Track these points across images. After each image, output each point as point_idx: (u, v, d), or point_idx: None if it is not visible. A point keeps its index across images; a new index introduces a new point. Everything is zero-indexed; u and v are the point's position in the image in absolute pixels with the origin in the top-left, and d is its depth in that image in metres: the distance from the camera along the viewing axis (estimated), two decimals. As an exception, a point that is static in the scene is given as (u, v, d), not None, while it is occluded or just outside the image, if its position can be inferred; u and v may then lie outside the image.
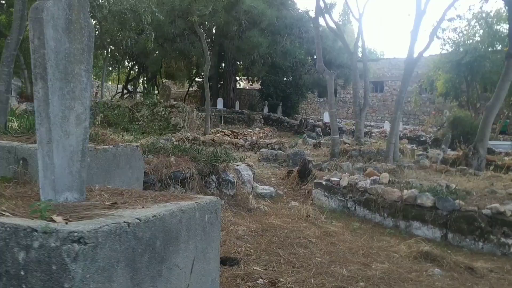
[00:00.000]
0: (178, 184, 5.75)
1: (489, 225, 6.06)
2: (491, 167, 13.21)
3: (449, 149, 17.51)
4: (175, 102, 17.02)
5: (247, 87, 43.43)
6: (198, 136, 14.38)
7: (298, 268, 3.98)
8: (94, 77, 42.17)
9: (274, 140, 14.42)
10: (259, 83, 34.32)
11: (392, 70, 36.38)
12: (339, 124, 27.17)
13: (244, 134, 19.61)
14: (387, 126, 25.33)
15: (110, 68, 37.03)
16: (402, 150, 13.49)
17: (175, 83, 43.78)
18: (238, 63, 32.70)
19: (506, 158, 15.11)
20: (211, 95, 34.06)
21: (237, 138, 18.09)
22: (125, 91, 34.81)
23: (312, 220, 6.06)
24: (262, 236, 4.91)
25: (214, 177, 6.47)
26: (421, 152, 15.30)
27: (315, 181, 7.75)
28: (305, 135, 18.73)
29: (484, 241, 6.03)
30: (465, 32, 26.19)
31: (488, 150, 20.91)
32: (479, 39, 25.69)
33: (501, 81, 13.40)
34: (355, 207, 7.14)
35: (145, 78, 36.83)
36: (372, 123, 31.08)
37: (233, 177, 6.69)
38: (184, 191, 5.75)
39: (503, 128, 27.77)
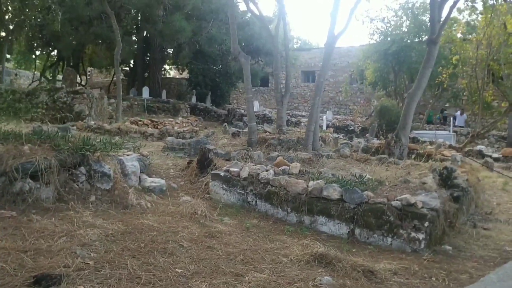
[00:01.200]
0: (29, 178, 4.67)
1: (398, 218, 5.41)
2: (413, 156, 12.94)
3: (376, 138, 17.24)
4: (79, 88, 15.57)
5: (177, 76, 41.96)
6: (104, 124, 13.12)
7: (143, 285, 3.07)
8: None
9: (186, 129, 13.42)
10: (187, 71, 33.06)
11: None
12: (267, 113, 26.60)
13: (165, 123, 18.46)
14: (326, 117, 24.97)
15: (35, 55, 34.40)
16: (325, 138, 12.90)
17: (101, 71, 41.61)
18: (166, 51, 31.26)
19: (428, 146, 14.91)
20: (137, 84, 32.72)
21: (156, 127, 16.97)
22: (43, 79, 32.42)
23: (199, 218, 5.16)
24: (119, 242, 3.96)
25: (83, 169, 5.41)
26: (345, 141, 14.85)
27: (213, 172, 6.84)
28: (225, 123, 17.84)
29: (393, 236, 5.38)
30: (392, 23, 26.22)
31: (413, 139, 21.06)
32: (406, 29, 25.81)
33: (422, 68, 13.12)
34: (255, 201, 6.30)
35: (64, 66, 34.40)
36: (303, 113, 30.71)
37: (109, 168, 5.65)
38: (37, 186, 4.68)
39: (429, 118, 28.28)
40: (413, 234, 5.30)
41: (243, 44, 26.08)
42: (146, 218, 4.89)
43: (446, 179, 7.76)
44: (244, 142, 12.17)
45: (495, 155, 18.01)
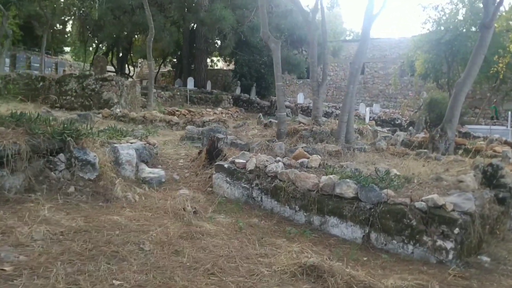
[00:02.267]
0: (-5, 165, 4.19)
1: (422, 222, 4.57)
2: (460, 151, 11.81)
3: (423, 133, 16.07)
4: (108, 75, 15.30)
5: (225, 68, 41.65)
6: (130, 112, 12.75)
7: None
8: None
9: (211, 118, 12.84)
10: (233, 63, 32.65)
11: (373, 51, 34.75)
12: (311, 105, 25.66)
13: (202, 113, 18.03)
14: (362, 109, 23.87)
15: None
16: (362, 131, 11.97)
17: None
18: (211, 42, 30.89)
19: (480, 142, 13.61)
20: (183, 75, 32.58)
21: (193, 118, 16.58)
22: (92, 68, 32.89)
23: (185, 215, 4.52)
24: (64, 242, 3.36)
25: (63, 156, 4.89)
26: (386, 134, 13.85)
27: (216, 163, 6.17)
28: (260, 114, 17.16)
29: (415, 244, 4.55)
30: (447, 11, 24.57)
31: (465, 134, 19.68)
32: (461, 18, 24.10)
33: (473, 55, 11.90)
34: (261, 197, 5.59)
35: (113, 57, 34.84)
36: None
37: (94, 156, 5.11)
38: (2, 174, 4.20)
39: (495, 114, 26.62)
40: (439, 242, 4.44)
41: (286, 33, 25.28)
42: (120, 214, 4.31)
43: (490, 178, 6.76)
44: (275, 133, 11.46)
45: (556, 153, 16.46)
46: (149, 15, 15.75)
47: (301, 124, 12.67)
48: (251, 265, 3.43)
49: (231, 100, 26.08)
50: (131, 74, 37.14)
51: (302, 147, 7.77)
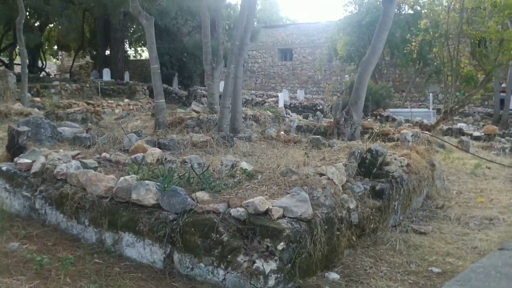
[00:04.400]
0: None
1: (240, 236, 3.30)
2: (367, 135, 10.87)
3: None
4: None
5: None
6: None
7: None
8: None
9: (78, 109, 11.24)
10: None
11: (301, 36, 33.87)
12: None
13: (103, 106, 16.36)
14: (283, 96, 22.71)
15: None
16: (258, 117, 10.73)
17: (69, 54, 39.19)
18: (126, 30, 28.95)
19: (390, 126, 12.71)
20: (98, 66, 30.45)
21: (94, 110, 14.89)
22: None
23: None
24: None
25: None
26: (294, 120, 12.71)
27: None
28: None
29: (227, 267, 3.26)
30: (369, -8, 23.90)
31: (387, 117, 19.02)
32: (382, -2, 23.47)
33: (377, 30, 11.01)
34: (45, 209, 4.17)
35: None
36: (278, 94, 28.46)
37: None
38: None
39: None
40: (258, 263, 3.18)
41: (198, 18, 23.64)
42: None
43: (370, 167, 5.68)
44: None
45: (477, 133, 16.03)
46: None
47: (196, 112, 11.33)
48: None
49: (147, 91, 24.38)
50: (46, 68, 34.37)
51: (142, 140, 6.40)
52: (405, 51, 18.13)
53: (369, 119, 17.20)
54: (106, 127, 9.53)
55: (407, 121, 17.33)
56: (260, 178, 4.33)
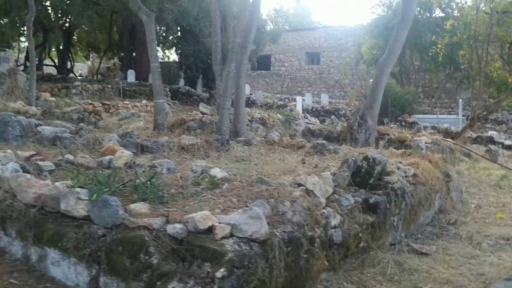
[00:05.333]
0: None
1: (172, 258, 2.75)
2: (382, 142, 10.18)
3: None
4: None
5: (177, 60, 39.53)
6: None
7: None
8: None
9: (74, 108, 10.91)
10: (178, 53, 30.64)
11: (328, 40, 33.13)
12: (254, 97, 23.90)
13: (118, 107, 16.12)
14: (301, 99, 22.00)
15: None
16: (265, 120, 10.18)
17: (99, 56, 39.51)
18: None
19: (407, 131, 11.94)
20: (124, 67, 30.45)
21: (108, 111, 14.69)
22: (28, 63, 30.39)
23: None
24: None
25: None
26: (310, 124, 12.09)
27: None
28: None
29: (158, 295, 2.70)
30: (399, -6, 23.03)
31: (412, 124, 18.15)
32: (413, 1, 22.54)
33: (396, 30, 10.42)
34: None
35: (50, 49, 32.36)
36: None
37: None
38: None
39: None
40: (191, 290, 2.62)
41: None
42: None
43: (366, 176, 5.04)
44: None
45: (508, 142, 15.05)
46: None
47: (205, 114, 10.87)
48: None
49: (169, 92, 24.19)
50: (74, 69, 34.67)
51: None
52: (430, 54, 17.19)
53: (392, 125, 16.43)
54: (105, 127, 9.18)
55: (433, 128, 16.47)
56: (225, 187, 3.76)
